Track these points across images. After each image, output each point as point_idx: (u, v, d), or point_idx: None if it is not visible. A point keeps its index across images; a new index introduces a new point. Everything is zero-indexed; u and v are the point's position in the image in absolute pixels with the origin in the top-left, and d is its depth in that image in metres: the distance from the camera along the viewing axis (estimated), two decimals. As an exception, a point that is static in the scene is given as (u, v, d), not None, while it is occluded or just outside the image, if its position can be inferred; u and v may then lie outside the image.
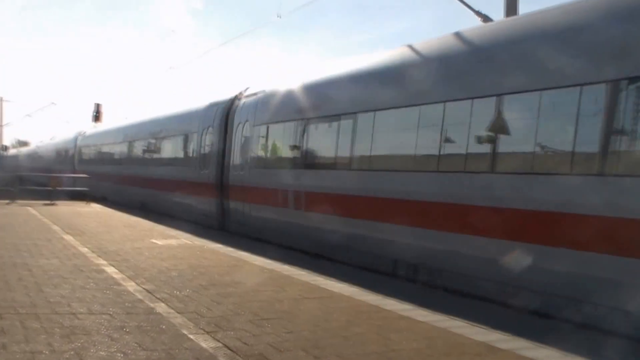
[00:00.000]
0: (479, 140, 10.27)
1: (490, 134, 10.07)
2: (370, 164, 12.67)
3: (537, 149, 9.26)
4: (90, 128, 45.52)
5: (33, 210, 21.80)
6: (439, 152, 10.89)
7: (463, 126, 10.47)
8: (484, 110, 10.11)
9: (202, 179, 19.78)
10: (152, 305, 7.69)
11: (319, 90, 15.08)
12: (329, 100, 14.43)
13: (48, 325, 6.47)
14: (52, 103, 72.42)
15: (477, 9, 13.66)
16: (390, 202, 11.81)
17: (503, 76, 10.18)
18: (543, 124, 9.22)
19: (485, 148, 10.16)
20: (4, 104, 56.90)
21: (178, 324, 6.82)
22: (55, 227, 16.35)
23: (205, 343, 6.08)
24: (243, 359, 5.65)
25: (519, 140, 9.79)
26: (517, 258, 8.99)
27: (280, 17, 19.49)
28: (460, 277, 10.20)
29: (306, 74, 16.48)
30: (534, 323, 8.45)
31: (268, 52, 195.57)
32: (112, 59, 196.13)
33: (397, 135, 12.25)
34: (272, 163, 16.55)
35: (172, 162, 23.89)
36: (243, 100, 18.33)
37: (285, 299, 8.38)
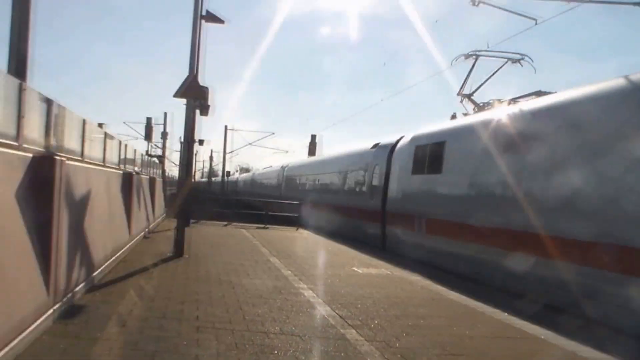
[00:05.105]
0: None
1: None
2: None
3: None
4: (294, 160, 50.88)
5: (246, 233, 23.10)
6: None
7: None
8: None
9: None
10: (342, 331, 7.70)
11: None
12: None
13: (240, 342, 6.72)
14: (272, 133, 77.03)
15: None
16: None
17: None
18: None
19: None
20: (229, 133, 61.32)
21: (364, 351, 6.75)
22: (264, 250, 17.16)
23: (389, 373, 5.94)
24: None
25: None
26: None
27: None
28: None
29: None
30: None
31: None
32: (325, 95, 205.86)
33: None
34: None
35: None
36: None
37: (476, 335, 8.00)
